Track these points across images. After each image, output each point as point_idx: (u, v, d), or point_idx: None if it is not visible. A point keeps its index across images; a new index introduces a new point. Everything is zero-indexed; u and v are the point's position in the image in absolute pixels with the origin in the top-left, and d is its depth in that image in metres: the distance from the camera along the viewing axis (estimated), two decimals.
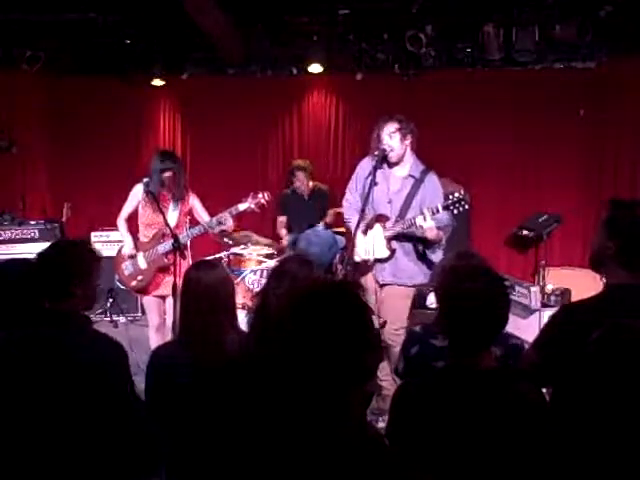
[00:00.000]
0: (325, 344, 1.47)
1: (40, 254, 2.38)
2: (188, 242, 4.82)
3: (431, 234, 4.12)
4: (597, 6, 5.90)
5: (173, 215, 4.71)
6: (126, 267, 4.80)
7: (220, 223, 4.58)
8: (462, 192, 4.05)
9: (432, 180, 4.29)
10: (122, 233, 4.85)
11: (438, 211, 4.05)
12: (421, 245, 4.31)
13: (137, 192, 4.74)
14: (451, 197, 4.04)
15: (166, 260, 4.57)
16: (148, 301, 4.80)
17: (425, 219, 4.02)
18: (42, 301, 2.29)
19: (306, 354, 1.48)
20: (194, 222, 4.92)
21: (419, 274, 4.36)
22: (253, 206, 4.65)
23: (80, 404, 2.11)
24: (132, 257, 4.75)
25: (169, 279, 4.48)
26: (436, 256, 4.32)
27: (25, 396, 2.11)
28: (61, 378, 2.13)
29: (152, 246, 4.68)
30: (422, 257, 4.36)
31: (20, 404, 2.11)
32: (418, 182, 4.26)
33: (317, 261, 3.26)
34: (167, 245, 4.52)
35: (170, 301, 4.45)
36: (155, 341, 4.66)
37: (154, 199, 4.47)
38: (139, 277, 4.73)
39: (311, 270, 2.83)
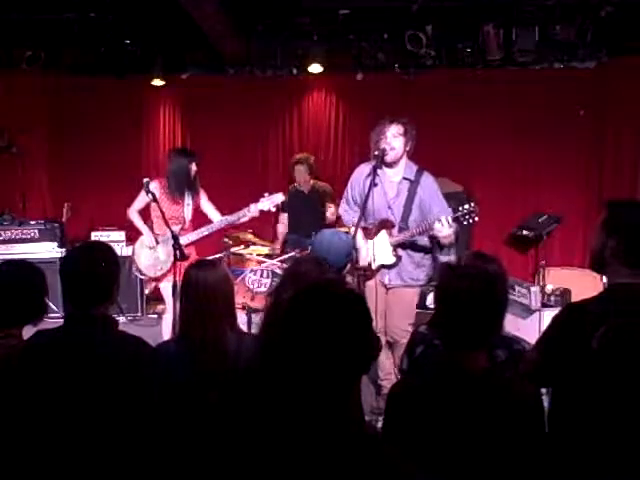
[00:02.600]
0: (323, 343, 1.47)
1: (77, 260, 2.36)
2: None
3: (446, 240, 4.13)
4: (597, 6, 5.90)
5: (188, 210, 4.93)
6: (146, 257, 4.98)
7: (239, 218, 4.87)
8: (472, 205, 4.06)
9: (428, 180, 4.29)
10: (138, 225, 5.02)
11: (448, 223, 4.07)
12: (424, 249, 4.35)
13: (152, 189, 4.81)
14: (461, 209, 4.06)
15: (186, 250, 4.69)
16: (167, 288, 4.83)
17: (443, 225, 4.02)
18: (81, 306, 2.28)
19: (303, 353, 1.49)
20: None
21: (423, 275, 4.41)
22: (270, 205, 4.89)
23: (111, 405, 2.12)
24: (152, 248, 4.94)
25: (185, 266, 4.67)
26: (425, 259, 4.39)
27: (56, 397, 2.11)
28: (94, 381, 2.13)
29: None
30: (425, 259, 4.40)
31: (51, 405, 2.11)
32: (414, 184, 4.25)
33: (331, 264, 3.24)
34: (187, 237, 4.83)
35: None
36: (170, 324, 4.73)
37: (155, 200, 4.56)
38: (159, 267, 4.93)
39: (325, 272, 2.82)
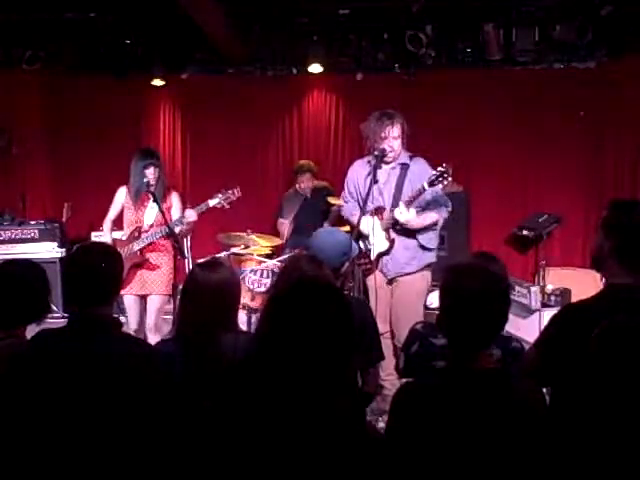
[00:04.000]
0: (302, 342, 1.49)
1: (81, 260, 2.35)
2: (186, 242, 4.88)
3: (413, 224, 4.15)
4: (597, 6, 5.90)
5: (151, 212, 4.74)
6: None
7: (184, 219, 4.69)
8: (444, 165, 4.04)
9: (418, 163, 4.33)
10: (105, 232, 4.98)
11: (424, 189, 4.07)
12: (416, 233, 4.32)
13: (120, 195, 4.84)
14: (434, 172, 4.05)
15: (140, 256, 4.70)
16: (128, 301, 4.78)
17: (401, 212, 4.05)
18: (84, 306, 2.28)
19: (287, 346, 1.51)
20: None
21: (421, 258, 4.35)
22: (223, 202, 4.74)
23: (113, 406, 2.12)
24: None
25: (147, 276, 4.70)
26: (425, 238, 4.31)
27: (59, 398, 2.11)
28: (97, 382, 2.12)
29: (128, 243, 4.73)
30: (420, 245, 4.37)
31: (54, 405, 2.11)
32: (404, 168, 4.30)
33: (325, 263, 3.24)
34: (142, 241, 4.68)
35: (152, 301, 4.69)
36: None
37: (155, 199, 4.52)
38: None
39: (321, 270, 2.82)
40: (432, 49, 6.64)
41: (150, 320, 4.71)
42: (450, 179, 4.05)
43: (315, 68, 7.07)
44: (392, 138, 4.23)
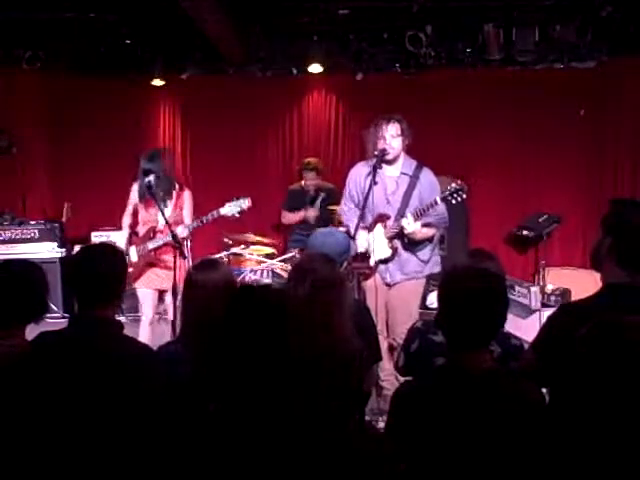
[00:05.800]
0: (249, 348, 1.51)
1: (82, 262, 2.36)
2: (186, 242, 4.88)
3: (416, 236, 4.19)
4: (597, 6, 5.90)
5: (165, 212, 4.73)
6: None
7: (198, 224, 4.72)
8: (459, 182, 4.08)
9: (427, 175, 4.31)
10: (123, 229, 5.01)
11: (437, 203, 4.10)
12: (422, 240, 4.33)
13: (133, 192, 4.92)
14: (449, 188, 4.08)
15: (154, 256, 4.76)
16: (143, 293, 4.88)
17: (409, 223, 4.07)
18: (88, 307, 2.28)
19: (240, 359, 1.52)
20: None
21: (425, 265, 4.38)
22: (234, 211, 4.74)
23: (115, 408, 2.12)
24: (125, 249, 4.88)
25: (162, 273, 4.73)
26: (423, 254, 4.35)
27: (60, 399, 2.11)
28: (98, 383, 2.13)
29: (142, 242, 4.82)
30: (424, 251, 4.37)
31: (55, 406, 2.10)
32: (413, 179, 4.27)
33: None
34: (156, 242, 4.74)
35: (169, 299, 4.62)
36: (145, 334, 4.76)
37: (154, 199, 4.53)
38: (130, 269, 4.80)
39: (334, 269, 2.82)
40: (432, 49, 6.64)
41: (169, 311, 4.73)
42: (465, 196, 4.08)
43: (315, 68, 7.07)
44: (390, 136, 4.22)
